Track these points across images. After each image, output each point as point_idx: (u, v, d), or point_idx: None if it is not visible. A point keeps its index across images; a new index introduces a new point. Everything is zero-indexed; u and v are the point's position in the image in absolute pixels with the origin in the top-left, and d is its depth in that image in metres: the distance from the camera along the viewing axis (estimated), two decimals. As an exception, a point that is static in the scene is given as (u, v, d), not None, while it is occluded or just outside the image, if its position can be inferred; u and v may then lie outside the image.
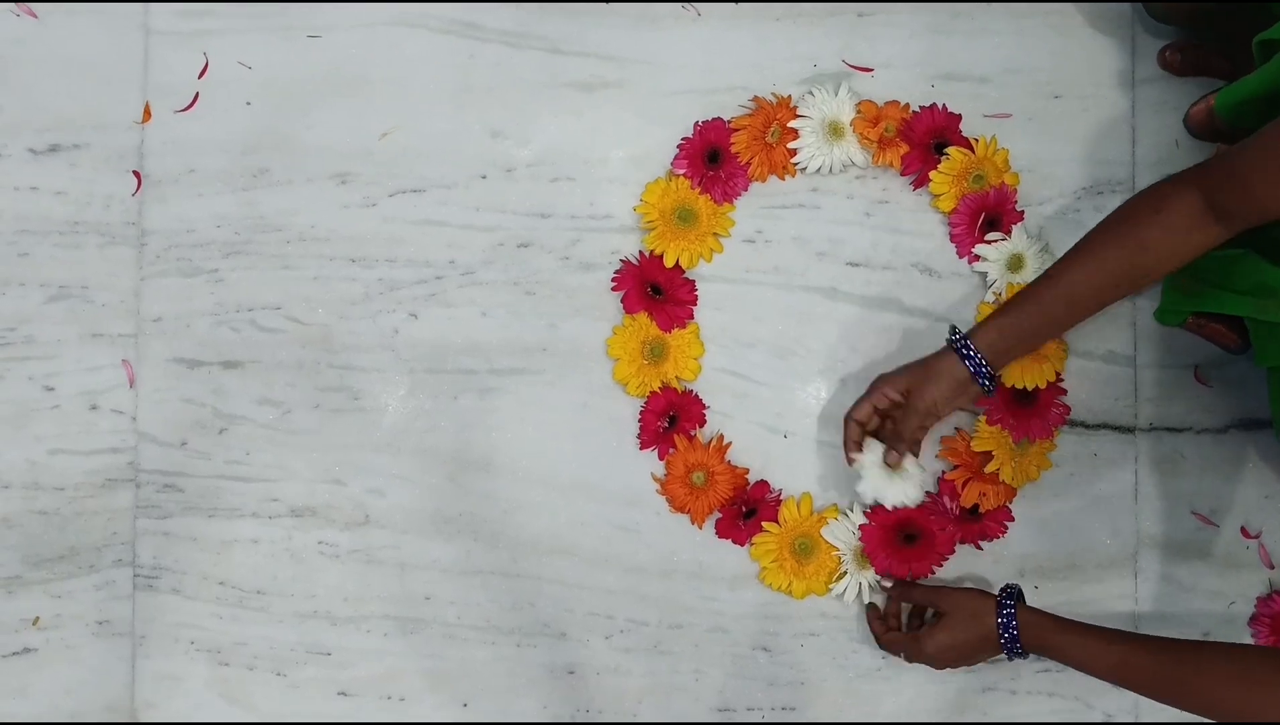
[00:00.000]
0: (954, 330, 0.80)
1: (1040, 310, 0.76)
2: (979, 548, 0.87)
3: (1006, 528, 0.87)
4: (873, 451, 0.81)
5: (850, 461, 0.82)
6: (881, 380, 0.80)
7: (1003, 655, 0.79)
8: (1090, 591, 0.89)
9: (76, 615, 0.87)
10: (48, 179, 0.87)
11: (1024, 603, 0.80)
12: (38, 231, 0.87)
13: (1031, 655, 0.78)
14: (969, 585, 0.86)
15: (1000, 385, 0.86)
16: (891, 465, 0.81)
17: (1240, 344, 0.83)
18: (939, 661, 0.82)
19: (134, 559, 0.88)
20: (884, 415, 0.81)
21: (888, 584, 0.86)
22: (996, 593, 0.80)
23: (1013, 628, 0.78)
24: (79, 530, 0.87)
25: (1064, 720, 0.89)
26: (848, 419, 0.81)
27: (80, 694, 0.88)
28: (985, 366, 0.77)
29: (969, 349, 0.77)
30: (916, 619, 0.85)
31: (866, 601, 0.87)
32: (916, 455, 0.82)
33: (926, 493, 0.87)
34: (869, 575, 0.87)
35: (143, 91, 0.87)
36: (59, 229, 0.87)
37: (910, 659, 0.83)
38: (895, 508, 0.83)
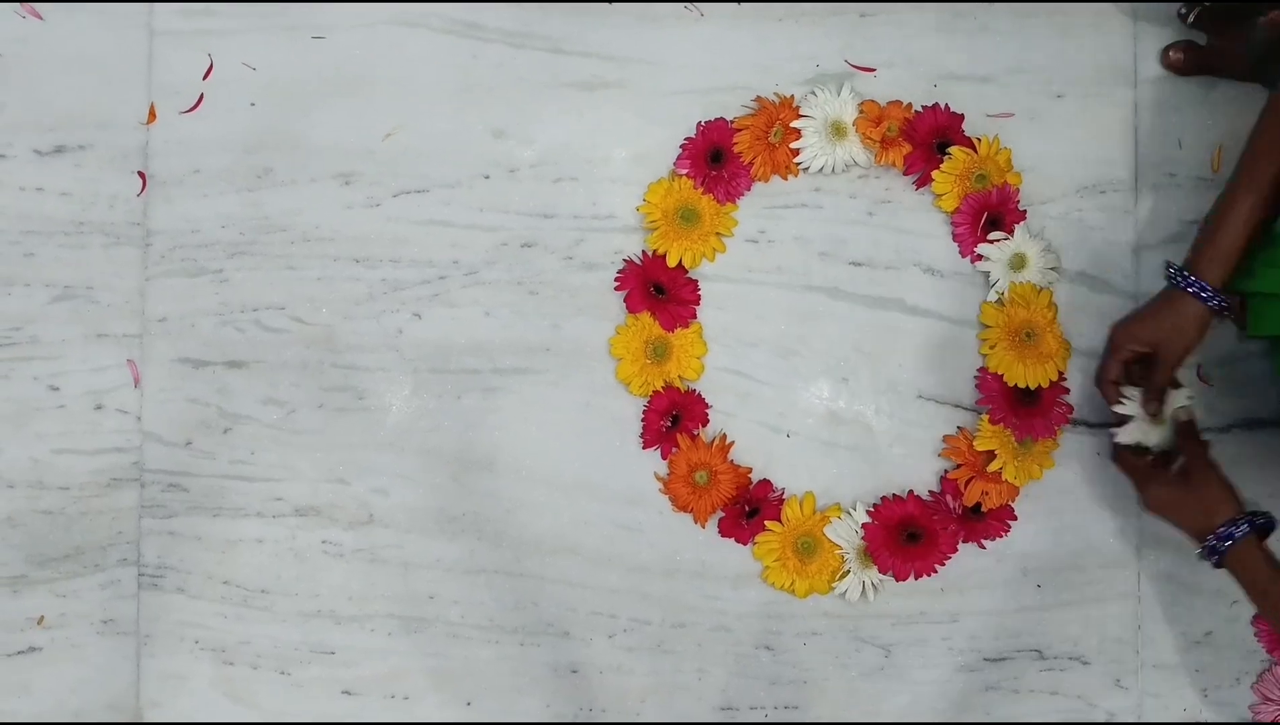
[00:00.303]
0: (1175, 269, 0.78)
1: (1246, 220, 0.75)
2: (982, 547, 0.87)
3: (1009, 527, 0.87)
4: (1134, 399, 0.80)
5: (1114, 410, 0.81)
6: (1125, 335, 0.79)
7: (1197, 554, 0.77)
8: (1093, 591, 0.89)
9: (81, 614, 0.88)
10: (53, 179, 0.87)
11: (1262, 533, 0.77)
12: (43, 232, 0.87)
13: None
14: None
15: (1002, 383, 0.86)
16: (1154, 415, 0.80)
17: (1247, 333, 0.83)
18: (1149, 507, 0.80)
19: (139, 558, 0.88)
20: (1129, 363, 0.80)
21: (1183, 416, 0.82)
22: (1243, 511, 0.77)
23: (1224, 547, 0.76)
24: (84, 529, 0.88)
25: (1066, 718, 0.89)
26: (1103, 382, 0.81)
27: (85, 693, 0.88)
28: (1222, 299, 0.77)
29: (1205, 289, 0.76)
30: (1166, 459, 0.82)
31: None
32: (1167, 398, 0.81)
33: (930, 492, 0.88)
34: (872, 574, 0.87)
35: (147, 92, 0.88)
36: (64, 229, 0.87)
37: (1134, 485, 0.81)
38: (1158, 448, 0.81)
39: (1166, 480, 0.79)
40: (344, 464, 0.88)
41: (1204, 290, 0.77)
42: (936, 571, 0.87)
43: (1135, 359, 0.80)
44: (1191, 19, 0.87)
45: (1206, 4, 0.85)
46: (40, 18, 0.87)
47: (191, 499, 0.88)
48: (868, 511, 0.87)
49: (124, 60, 0.88)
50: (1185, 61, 0.87)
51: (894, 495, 0.87)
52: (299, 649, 0.88)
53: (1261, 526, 0.77)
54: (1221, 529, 0.76)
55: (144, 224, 0.88)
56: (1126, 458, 0.82)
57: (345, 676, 0.88)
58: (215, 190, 0.88)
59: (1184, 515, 0.79)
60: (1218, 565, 0.77)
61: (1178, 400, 0.82)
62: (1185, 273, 0.77)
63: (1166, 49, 0.87)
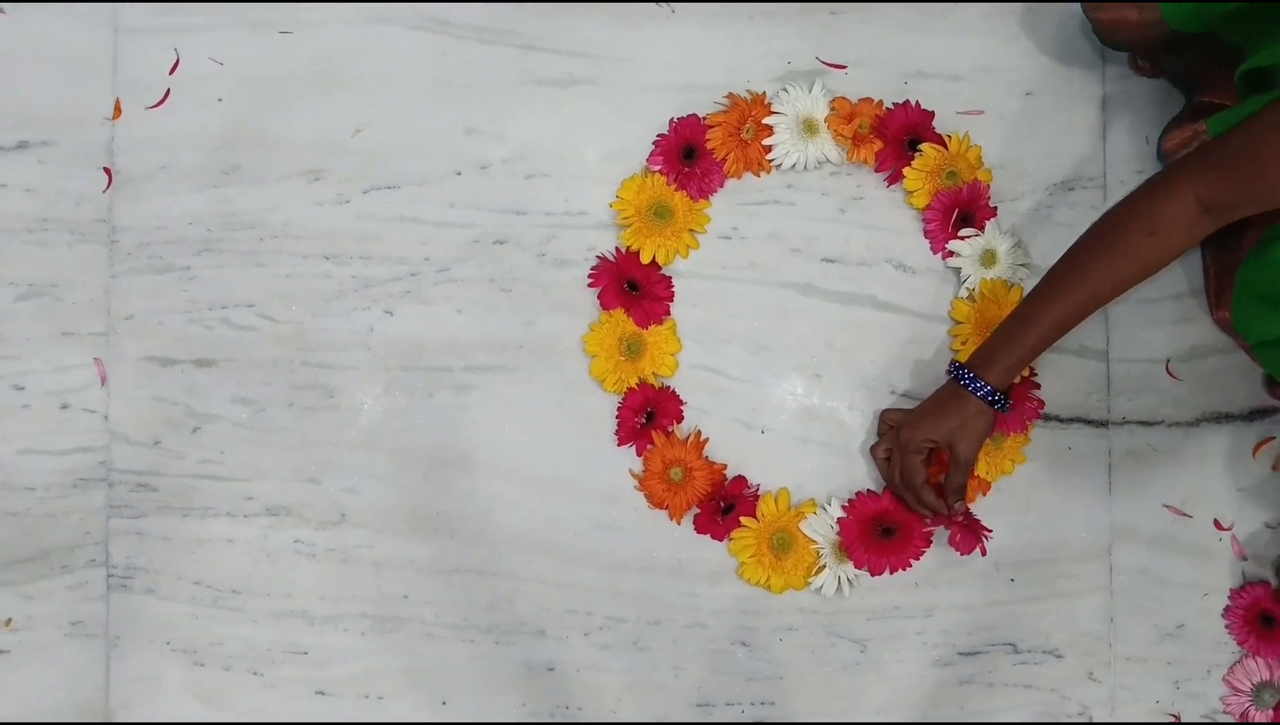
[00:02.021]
0: (960, 371, 0.80)
1: (1037, 333, 0.77)
2: (965, 551, 0.86)
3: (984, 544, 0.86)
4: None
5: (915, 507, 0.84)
6: (915, 433, 0.81)
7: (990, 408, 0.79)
8: (1065, 584, 0.89)
9: (49, 616, 0.87)
10: (16, 176, 0.86)
11: (974, 369, 0.79)
12: (6, 229, 0.86)
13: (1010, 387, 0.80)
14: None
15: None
16: (958, 510, 0.83)
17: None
18: (912, 437, 0.81)
19: (107, 559, 0.87)
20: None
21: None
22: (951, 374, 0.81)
23: (981, 385, 0.79)
24: (51, 531, 0.87)
25: (1040, 711, 0.89)
26: (918, 489, 0.82)
27: (54, 696, 0.87)
28: (1002, 398, 0.79)
29: (989, 393, 0.79)
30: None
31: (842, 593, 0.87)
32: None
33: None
34: (847, 569, 0.87)
35: (113, 87, 0.87)
36: (28, 226, 0.86)
37: (897, 444, 0.83)
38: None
39: (909, 417, 0.82)
40: (315, 463, 0.87)
41: (992, 396, 0.79)
42: (911, 566, 0.87)
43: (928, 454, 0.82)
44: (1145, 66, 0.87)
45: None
46: (3, 11, 0.86)
47: (160, 499, 0.87)
48: (843, 507, 0.87)
49: (89, 55, 0.87)
50: (1153, 66, 0.87)
51: (868, 491, 0.87)
52: (271, 649, 0.87)
53: (965, 367, 0.80)
54: (971, 389, 0.79)
55: (110, 221, 0.87)
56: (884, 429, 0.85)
57: (318, 677, 0.88)
58: (183, 187, 0.87)
59: (948, 422, 0.80)
60: (1005, 398, 0.79)
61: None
62: (965, 372, 0.79)
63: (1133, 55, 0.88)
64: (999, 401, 0.80)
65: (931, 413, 0.81)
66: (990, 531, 0.85)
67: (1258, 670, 0.89)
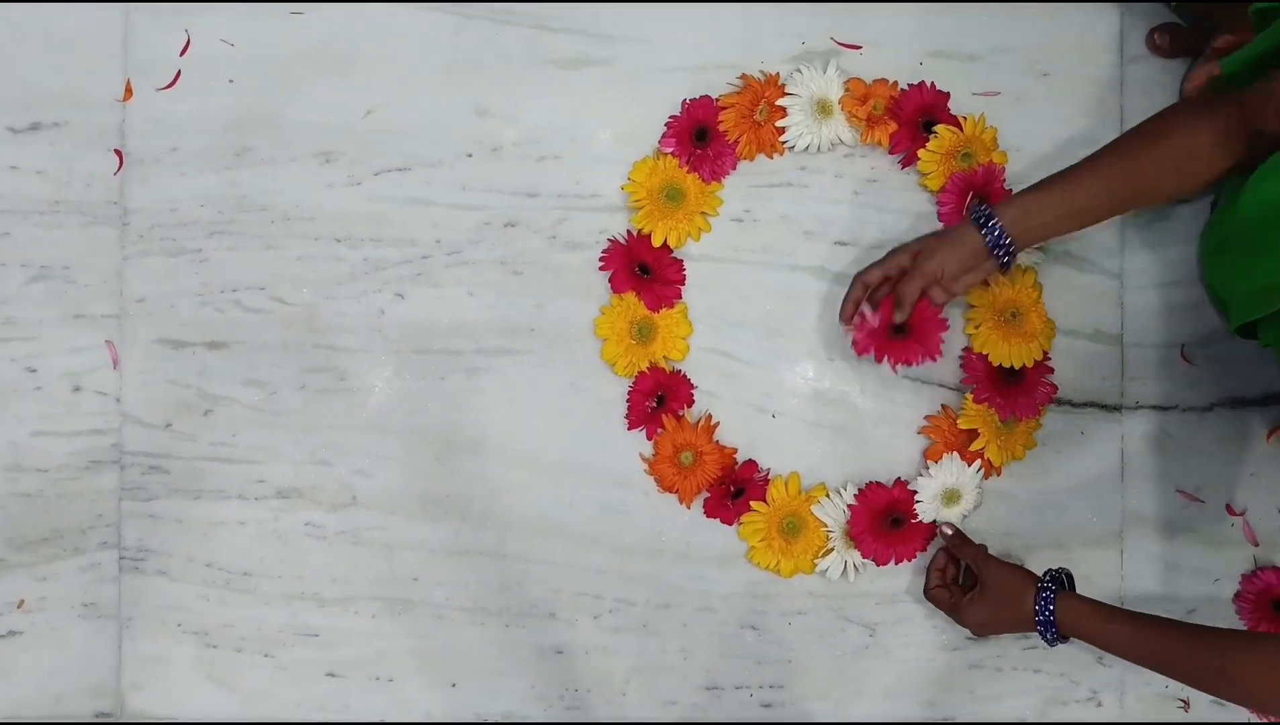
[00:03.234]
0: (979, 203, 0.79)
1: (1068, 195, 0.76)
2: (907, 364, 0.83)
3: (941, 346, 0.83)
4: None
5: (845, 319, 0.80)
6: (897, 248, 0.80)
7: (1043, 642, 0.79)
8: (1077, 569, 0.88)
9: (62, 598, 0.87)
10: (28, 158, 0.86)
11: (1069, 588, 0.79)
12: (18, 211, 0.86)
13: (1072, 640, 0.78)
14: (1012, 561, 0.85)
15: (986, 363, 0.86)
16: (899, 321, 0.80)
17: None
18: (978, 632, 0.83)
19: (119, 541, 0.87)
20: (894, 281, 0.80)
21: (948, 532, 0.85)
22: (1039, 578, 0.79)
23: (1049, 613, 0.77)
24: (63, 513, 0.87)
25: (1049, 696, 0.89)
26: (855, 279, 0.80)
27: (66, 676, 0.87)
28: (1007, 240, 0.76)
29: (989, 220, 0.76)
30: (970, 578, 0.84)
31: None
32: (908, 314, 0.79)
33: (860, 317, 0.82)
34: (854, 555, 0.87)
35: (124, 69, 0.86)
36: (40, 209, 0.86)
37: (954, 620, 0.84)
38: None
39: (973, 599, 0.82)
40: (326, 446, 0.87)
41: (990, 226, 0.76)
42: (916, 557, 0.87)
43: (900, 273, 0.79)
44: (1174, 4, 0.87)
45: None
46: (14, -7, 0.86)
47: (172, 481, 0.87)
48: (855, 494, 0.87)
49: (100, 37, 0.86)
50: (1170, 44, 0.87)
51: (878, 483, 0.87)
52: (282, 631, 0.88)
53: (1065, 581, 0.80)
54: (1038, 607, 0.78)
55: (121, 203, 0.87)
56: (935, 591, 0.85)
57: (329, 658, 0.88)
58: (194, 169, 0.86)
59: (1004, 617, 0.81)
60: (1062, 638, 0.78)
61: (964, 486, 0.86)
62: (987, 207, 0.77)
63: (1151, 32, 0.87)
64: (1003, 246, 0.76)
65: (931, 233, 0.80)
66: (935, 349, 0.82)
67: None
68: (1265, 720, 0.88)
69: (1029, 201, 0.76)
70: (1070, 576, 0.81)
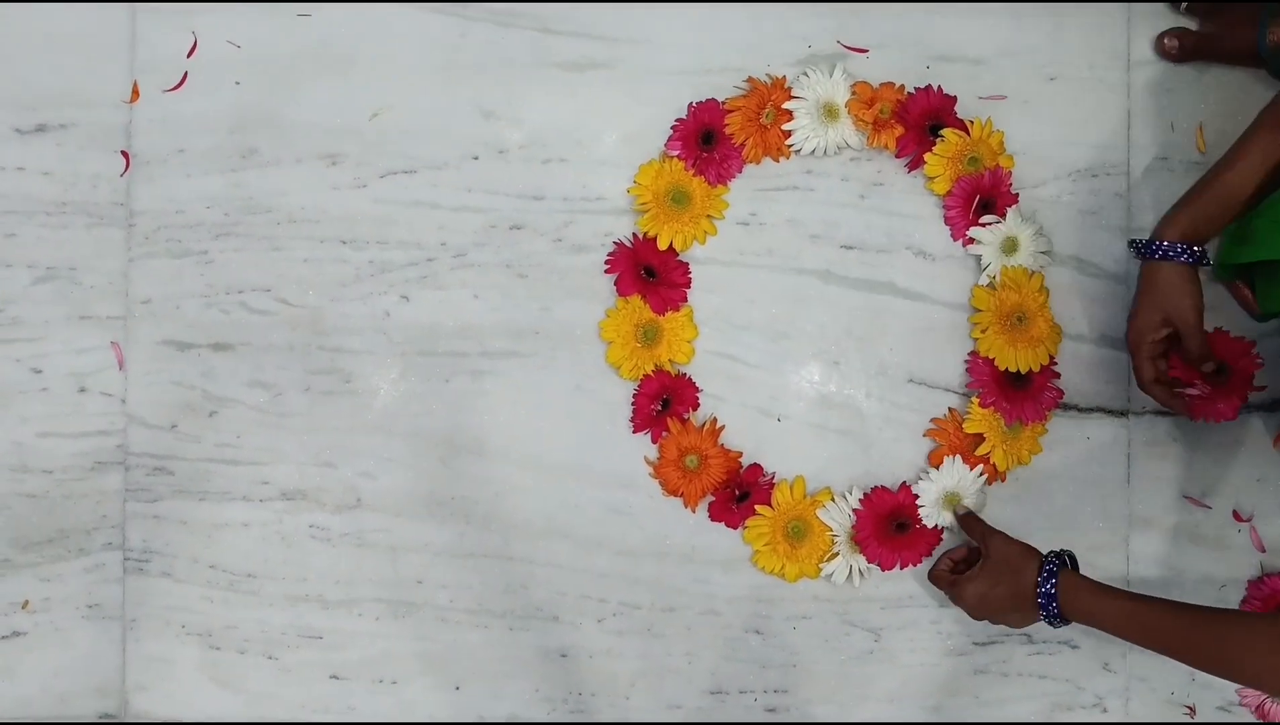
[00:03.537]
0: (1140, 243, 0.81)
1: (1221, 190, 0.77)
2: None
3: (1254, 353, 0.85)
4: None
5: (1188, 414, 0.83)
6: (1135, 334, 0.81)
7: (1042, 619, 0.78)
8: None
9: (66, 598, 0.87)
10: (34, 159, 0.86)
11: (1072, 568, 0.79)
12: (24, 212, 0.86)
13: (1073, 623, 0.77)
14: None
15: (993, 367, 0.86)
16: (1210, 369, 0.82)
17: (1260, 313, 0.84)
18: (974, 610, 0.82)
19: (124, 542, 0.87)
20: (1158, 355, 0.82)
21: (960, 512, 0.85)
22: (1042, 556, 0.79)
23: (1051, 590, 0.76)
24: (68, 513, 0.87)
25: (1054, 702, 0.89)
26: (1147, 387, 0.82)
27: (70, 677, 0.87)
28: (1190, 250, 0.78)
29: (1177, 250, 0.78)
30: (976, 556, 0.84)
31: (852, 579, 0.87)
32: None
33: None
34: (860, 560, 0.87)
35: (130, 71, 0.86)
36: (46, 209, 0.86)
37: (952, 599, 0.83)
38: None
39: (972, 575, 0.81)
40: (331, 447, 0.87)
41: (1171, 249, 0.78)
42: (921, 562, 0.87)
43: (1161, 350, 0.81)
44: (1185, 6, 0.86)
45: None
46: (21, -6, 0.86)
47: (177, 482, 0.87)
48: (860, 499, 0.86)
49: (107, 38, 0.86)
50: (1180, 48, 0.86)
51: (883, 487, 0.87)
52: (286, 633, 0.88)
53: (1068, 560, 0.79)
54: (1039, 580, 0.77)
55: (127, 204, 0.87)
56: (938, 573, 0.85)
57: (333, 660, 0.88)
58: (199, 170, 0.86)
59: (1002, 593, 0.80)
60: (1063, 618, 0.77)
61: (965, 490, 0.85)
62: (1149, 242, 0.79)
63: (1161, 36, 0.87)
64: (1192, 254, 0.78)
65: (1141, 305, 0.81)
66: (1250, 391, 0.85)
67: None
68: (1266, 722, 0.88)
69: (1191, 212, 0.78)
70: (1074, 557, 0.80)
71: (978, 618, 0.82)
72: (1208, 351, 0.81)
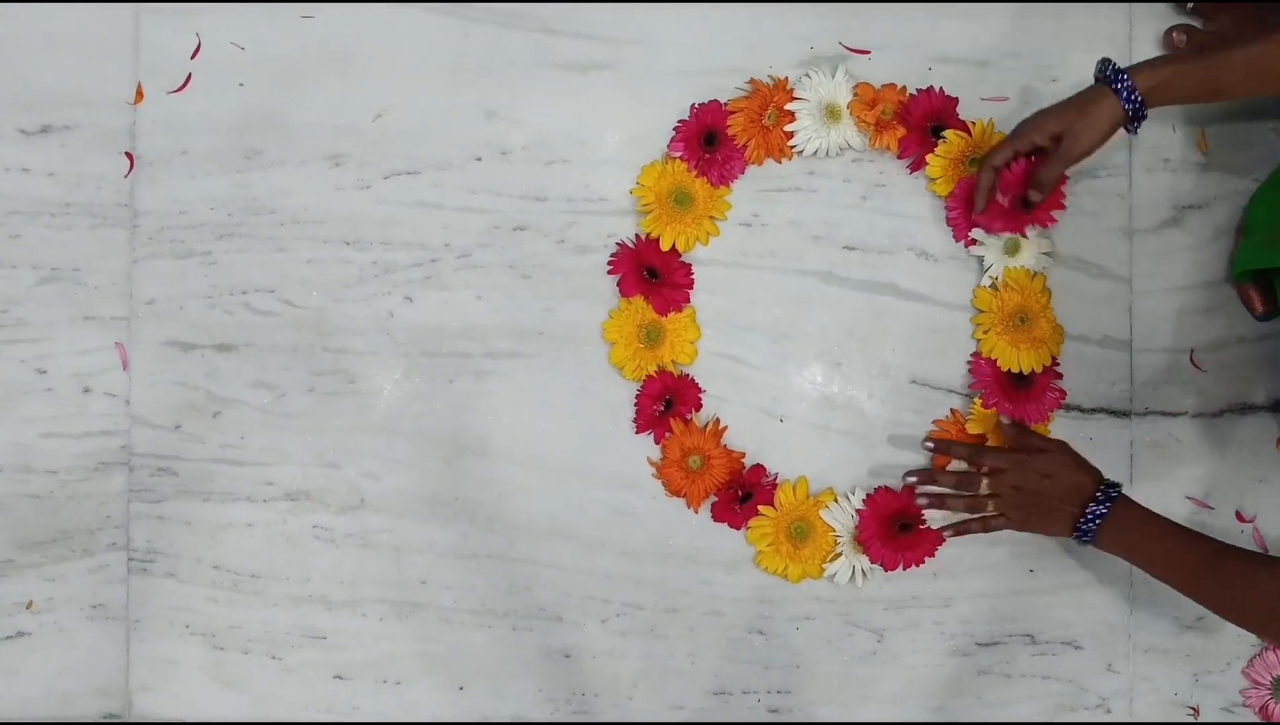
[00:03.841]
0: (1106, 64, 0.76)
1: (1212, 71, 0.73)
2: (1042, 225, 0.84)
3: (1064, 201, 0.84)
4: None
5: (975, 209, 0.80)
6: (1029, 125, 0.77)
7: (1074, 537, 0.78)
8: (1084, 575, 0.89)
9: (70, 599, 0.87)
10: (39, 160, 0.86)
11: (1125, 500, 0.78)
12: (28, 212, 0.86)
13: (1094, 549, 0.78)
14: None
15: (995, 368, 0.86)
16: (1035, 202, 0.79)
17: (1266, 311, 0.84)
18: (1017, 495, 0.80)
19: (128, 543, 0.87)
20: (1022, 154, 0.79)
21: (1006, 421, 0.85)
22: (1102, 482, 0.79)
23: (1102, 512, 0.77)
24: (72, 514, 0.87)
25: (1058, 702, 0.89)
26: (985, 165, 0.79)
27: (73, 678, 0.87)
28: (1139, 103, 0.74)
29: (1127, 87, 0.74)
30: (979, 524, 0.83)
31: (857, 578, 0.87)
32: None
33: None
34: (863, 560, 0.87)
35: (134, 72, 0.87)
36: (50, 210, 0.86)
37: (986, 492, 0.81)
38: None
39: (1023, 463, 0.80)
40: (335, 448, 0.87)
41: (1130, 91, 0.74)
42: (924, 563, 0.87)
43: (1030, 150, 0.78)
44: (1191, 5, 0.86)
45: None
46: (26, -4, 0.86)
47: (181, 483, 0.87)
48: (864, 499, 0.87)
49: (111, 39, 0.86)
50: (1188, 44, 0.86)
51: (886, 488, 0.87)
52: (290, 633, 0.88)
53: (1119, 491, 0.79)
54: (1092, 506, 0.78)
55: (131, 205, 0.87)
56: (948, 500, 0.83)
57: (337, 661, 0.88)
58: (203, 171, 0.87)
59: (1051, 492, 0.79)
60: (1092, 543, 0.78)
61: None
62: (1119, 70, 0.75)
63: (1169, 30, 0.87)
64: (1134, 105, 0.74)
65: (1064, 107, 0.76)
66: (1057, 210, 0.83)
67: (1278, 663, 0.89)
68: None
69: (1168, 70, 0.73)
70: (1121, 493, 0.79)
71: (1011, 510, 0.81)
72: (1054, 184, 0.78)
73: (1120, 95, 0.74)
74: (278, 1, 0.86)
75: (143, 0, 0.86)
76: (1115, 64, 0.76)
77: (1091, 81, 0.78)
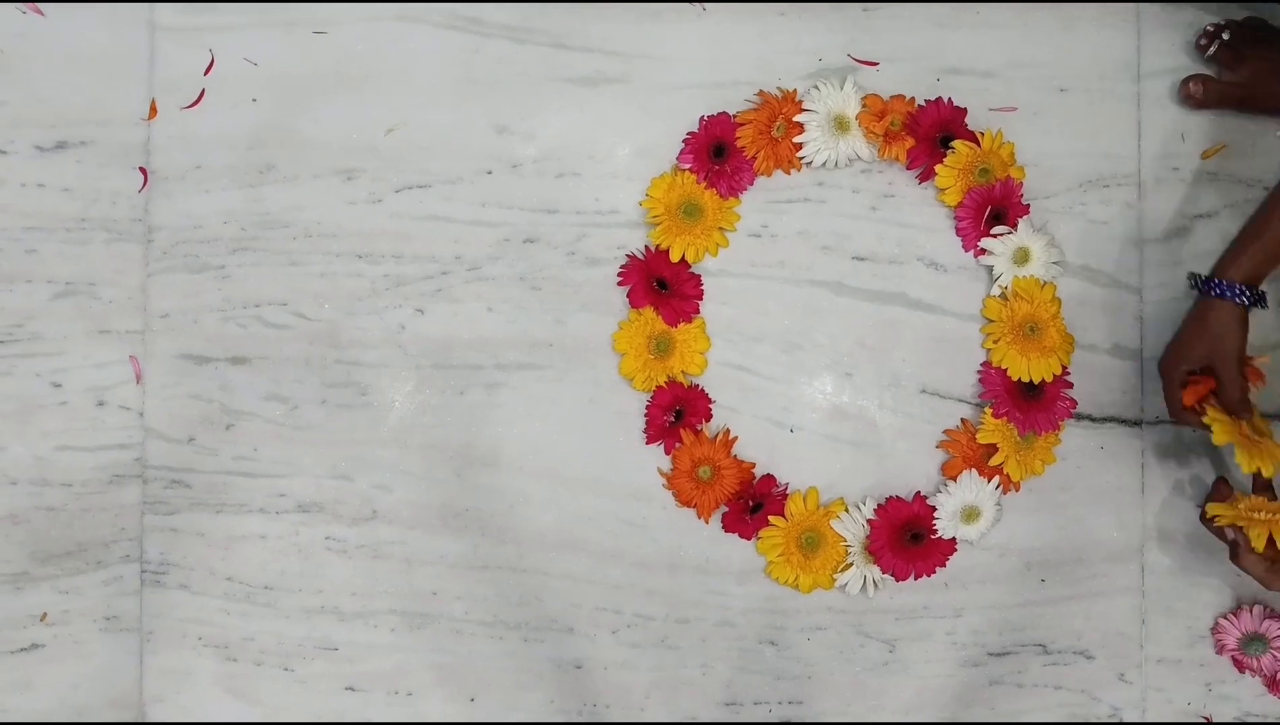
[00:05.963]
0: (1198, 278, 0.79)
1: (1271, 234, 0.76)
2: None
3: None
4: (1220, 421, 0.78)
5: (1215, 441, 0.79)
6: (1170, 363, 0.79)
7: None
8: (1096, 585, 0.89)
9: (84, 611, 0.88)
10: (54, 175, 0.87)
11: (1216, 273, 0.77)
12: (44, 228, 0.87)
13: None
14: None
15: (1005, 378, 0.86)
16: (1254, 431, 0.78)
17: None
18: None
19: (141, 555, 0.88)
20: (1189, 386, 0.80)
21: (1193, 88, 0.83)
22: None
23: (1227, 286, 0.76)
24: (86, 526, 0.87)
25: (1070, 713, 0.89)
26: (1177, 416, 0.80)
27: (87, 689, 0.88)
28: (1251, 293, 0.77)
29: (1236, 290, 0.77)
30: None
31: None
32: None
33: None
34: (874, 570, 0.87)
35: (149, 88, 0.87)
36: (66, 225, 0.87)
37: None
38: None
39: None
40: (347, 460, 0.88)
41: (1230, 289, 0.77)
42: (935, 573, 0.87)
43: (1193, 381, 0.80)
44: (1211, 51, 0.86)
45: (1226, 38, 0.85)
46: (41, 14, 0.87)
47: (194, 495, 0.88)
48: (874, 509, 0.87)
49: (125, 56, 0.87)
50: (1205, 93, 0.86)
51: (898, 498, 0.87)
52: (302, 645, 0.88)
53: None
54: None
55: (146, 220, 0.88)
56: (1248, 559, 0.78)
57: (349, 672, 0.88)
58: (217, 186, 0.87)
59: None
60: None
61: (984, 503, 0.83)
62: (1208, 279, 0.78)
63: (1185, 81, 0.86)
64: (1251, 297, 0.77)
65: (1185, 336, 0.79)
66: None
67: (1256, 620, 0.87)
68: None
69: (1251, 253, 0.77)
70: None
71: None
72: (1243, 391, 0.79)
73: (1231, 299, 0.77)
74: (289, 1, 0.87)
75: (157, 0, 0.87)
76: (1201, 275, 0.79)
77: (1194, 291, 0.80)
